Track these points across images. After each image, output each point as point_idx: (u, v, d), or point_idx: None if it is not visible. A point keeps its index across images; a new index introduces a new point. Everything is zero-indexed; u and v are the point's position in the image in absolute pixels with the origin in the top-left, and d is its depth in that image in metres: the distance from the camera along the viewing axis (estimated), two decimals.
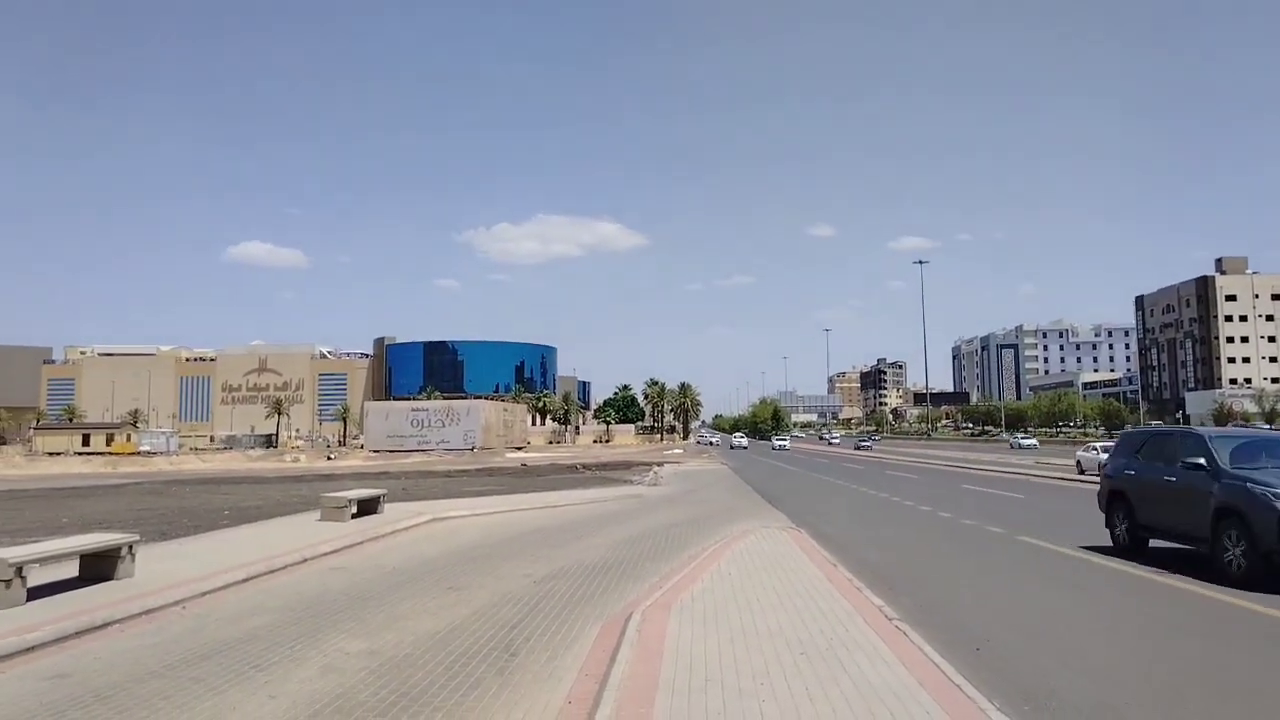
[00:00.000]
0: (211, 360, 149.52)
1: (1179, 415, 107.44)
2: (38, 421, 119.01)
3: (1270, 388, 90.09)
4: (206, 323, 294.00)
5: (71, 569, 9.76)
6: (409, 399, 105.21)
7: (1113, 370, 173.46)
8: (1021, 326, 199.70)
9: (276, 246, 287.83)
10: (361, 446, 79.39)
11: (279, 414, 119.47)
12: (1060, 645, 7.31)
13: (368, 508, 17.15)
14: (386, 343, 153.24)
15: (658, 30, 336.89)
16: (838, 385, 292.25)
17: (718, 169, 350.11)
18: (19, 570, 8.32)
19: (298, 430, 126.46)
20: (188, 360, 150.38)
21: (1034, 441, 79.49)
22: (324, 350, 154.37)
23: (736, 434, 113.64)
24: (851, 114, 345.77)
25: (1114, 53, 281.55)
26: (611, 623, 7.88)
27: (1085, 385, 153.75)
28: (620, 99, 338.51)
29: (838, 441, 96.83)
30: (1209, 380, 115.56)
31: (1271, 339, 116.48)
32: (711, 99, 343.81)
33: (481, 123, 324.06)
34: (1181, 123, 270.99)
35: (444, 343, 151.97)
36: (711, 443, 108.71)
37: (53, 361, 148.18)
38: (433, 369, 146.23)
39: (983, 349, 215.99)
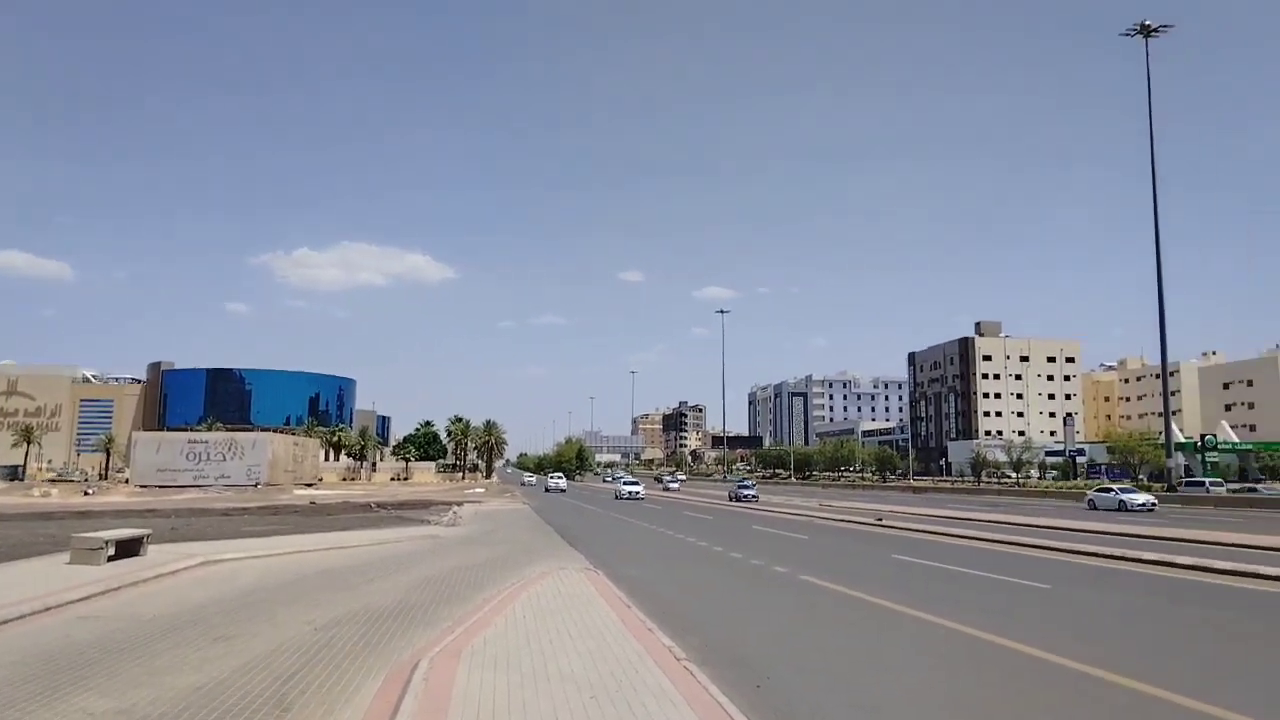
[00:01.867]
0: None
1: (942, 462, 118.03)
2: None
3: (1017, 439, 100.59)
4: None
5: None
6: (186, 429, 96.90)
7: (888, 419, 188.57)
8: (811, 376, 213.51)
9: (38, 256, 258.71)
10: (127, 481, 72.05)
11: (28, 443, 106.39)
12: (834, 678, 7.77)
13: (128, 549, 15.58)
14: (163, 368, 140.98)
15: (481, 64, 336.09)
16: (641, 426, 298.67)
17: (532, 205, 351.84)
18: None
19: (49, 461, 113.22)
20: None
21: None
22: (88, 374, 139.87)
23: (554, 474, 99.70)
24: (662, 163, 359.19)
25: (901, 121, 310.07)
26: (397, 671, 7.57)
27: (865, 433, 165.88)
28: (436, 127, 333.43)
29: (675, 487, 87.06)
30: (968, 431, 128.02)
31: (1019, 395, 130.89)
32: (521, 129, 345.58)
33: (289, 140, 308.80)
34: (957, 197, 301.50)
35: (230, 370, 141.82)
36: (525, 482, 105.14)
37: None
38: (216, 398, 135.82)
39: (776, 396, 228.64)
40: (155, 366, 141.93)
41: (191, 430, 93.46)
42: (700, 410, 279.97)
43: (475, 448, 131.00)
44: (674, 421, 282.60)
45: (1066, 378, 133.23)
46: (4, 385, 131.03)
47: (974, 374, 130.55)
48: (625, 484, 60.68)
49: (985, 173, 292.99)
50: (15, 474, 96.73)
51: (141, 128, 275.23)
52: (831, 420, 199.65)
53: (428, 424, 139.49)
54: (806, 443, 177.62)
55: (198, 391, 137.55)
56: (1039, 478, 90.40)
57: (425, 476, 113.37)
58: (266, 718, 6.26)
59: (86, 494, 57.05)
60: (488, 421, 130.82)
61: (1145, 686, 7.23)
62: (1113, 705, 6.85)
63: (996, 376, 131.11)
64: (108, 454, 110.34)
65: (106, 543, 14.74)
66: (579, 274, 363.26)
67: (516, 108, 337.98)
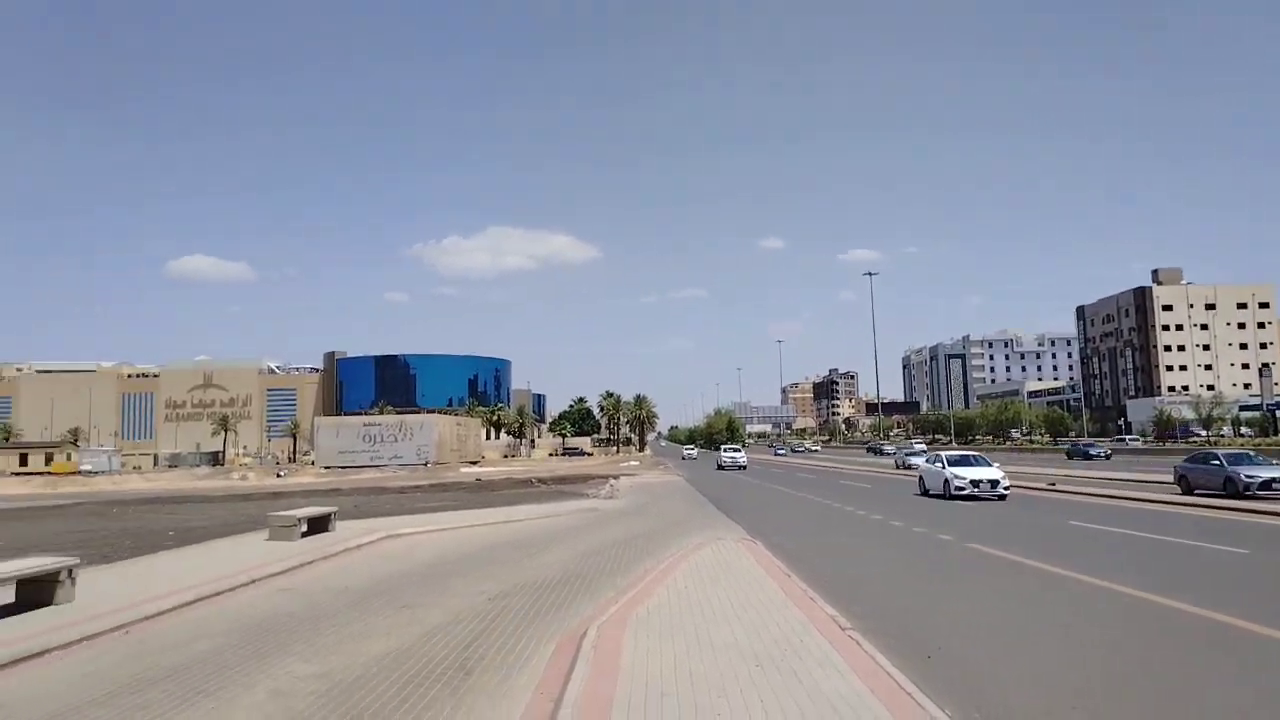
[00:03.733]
0: (155, 376, 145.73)
1: (1121, 422, 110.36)
2: None
3: (1205, 394, 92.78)
4: (149, 339, 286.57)
5: (8, 595, 9.45)
6: (360, 414, 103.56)
7: (1056, 379, 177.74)
8: (968, 337, 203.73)
9: (222, 260, 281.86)
10: (312, 463, 77.90)
11: (225, 431, 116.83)
12: (1013, 650, 7.45)
13: (318, 526, 16.87)
14: (337, 357, 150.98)
15: (611, 41, 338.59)
16: (791, 396, 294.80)
17: (668, 180, 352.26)
18: None
19: (245, 447, 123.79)
20: (129, 377, 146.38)
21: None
22: (272, 365, 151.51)
23: (687, 446, 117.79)
24: (802, 128, 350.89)
25: (1058, 74, 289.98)
26: (567, 639, 7.86)
27: (1030, 393, 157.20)
28: (574, 111, 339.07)
29: (784, 453, 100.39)
30: (1149, 388, 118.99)
31: (1205, 347, 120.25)
32: (658, 109, 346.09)
33: (433, 135, 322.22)
34: (1121, 141, 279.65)
35: (396, 356, 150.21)
36: (686, 455, 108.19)
37: None
38: (385, 383, 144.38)
39: (931, 358, 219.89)
40: (330, 356, 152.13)
41: (365, 414, 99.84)
42: (852, 377, 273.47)
43: (627, 422, 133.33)
44: (825, 389, 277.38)
45: (1260, 325, 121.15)
46: (201, 379, 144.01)
47: (1153, 326, 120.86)
48: (728, 453, 60.72)
49: (1152, 109, 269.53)
50: (216, 459, 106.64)
51: (301, 138, 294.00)
52: (993, 381, 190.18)
53: (580, 400, 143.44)
54: (967, 406, 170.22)
55: (368, 377, 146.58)
56: (1233, 435, 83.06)
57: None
58: (451, 681, 6.65)
59: (278, 476, 62.15)
60: (638, 396, 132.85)
61: None
62: None
63: (1179, 327, 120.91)
64: (294, 438, 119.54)
65: (299, 520, 16.00)
66: (718, 245, 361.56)
67: (645, 79, 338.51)
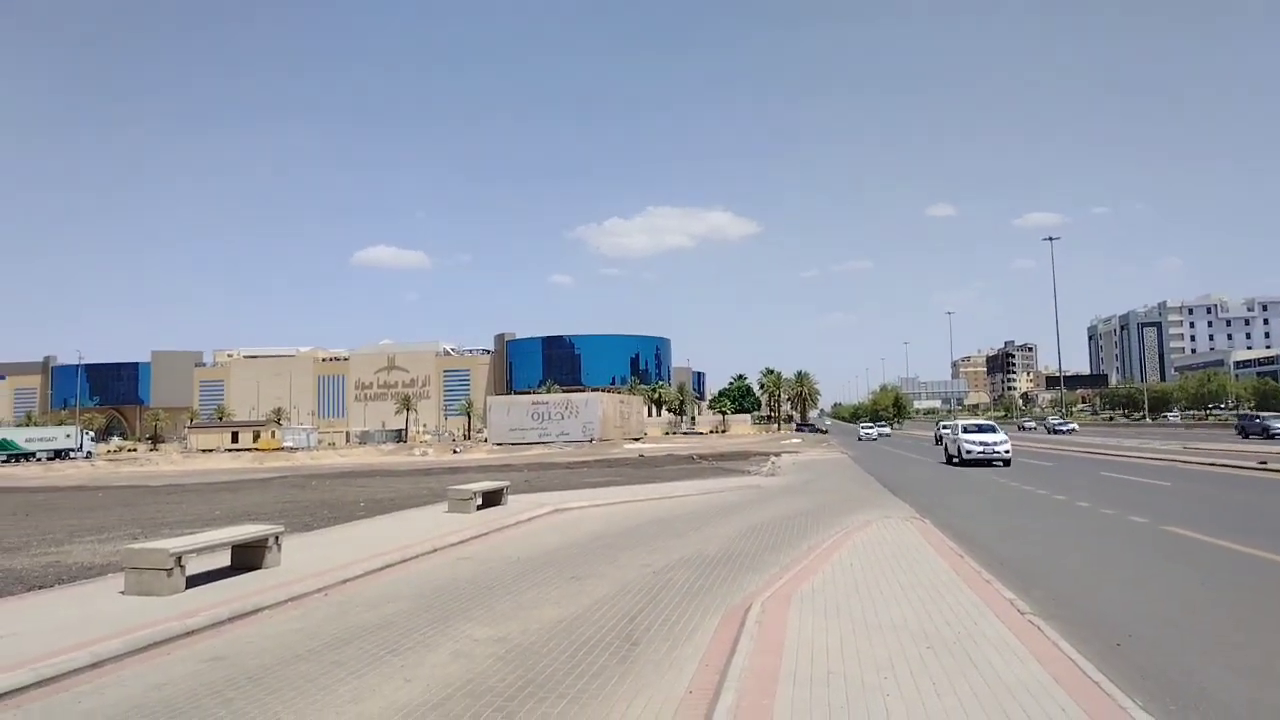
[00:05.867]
0: (345, 360, 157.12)
1: None
2: (191, 421, 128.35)
3: None
4: (340, 325, 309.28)
5: (224, 559, 10.49)
6: (529, 393, 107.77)
7: (1269, 347, 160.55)
8: (1165, 303, 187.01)
9: (401, 249, 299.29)
10: (485, 440, 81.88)
11: (407, 410, 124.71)
12: (1210, 639, 6.86)
13: (492, 499, 17.71)
14: (506, 339, 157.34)
15: (757, 13, 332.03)
16: (962, 370, 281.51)
17: (829, 151, 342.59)
18: (179, 560, 9.02)
19: (425, 425, 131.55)
20: (324, 360, 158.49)
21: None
22: (447, 348, 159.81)
23: (864, 423, 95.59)
24: (966, 90, 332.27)
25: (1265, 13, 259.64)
26: (731, 614, 7.89)
27: (1237, 364, 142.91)
28: (725, 85, 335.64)
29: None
30: None
31: None
32: (817, 79, 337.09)
33: (588, 118, 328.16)
34: None
35: (561, 337, 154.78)
36: (820, 430, 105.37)
37: (204, 365, 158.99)
38: (551, 363, 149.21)
39: (1122, 328, 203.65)
40: (500, 338, 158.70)
41: (534, 393, 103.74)
42: (1030, 349, 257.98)
43: (788, 398, 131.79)
44: (999, 363, 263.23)
45: None
46: (385, 362, 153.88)
47: None
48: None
49: None
50: (399, 437, 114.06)
51: (466, 129, 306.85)
52: (1194, 351, 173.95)
53: (740, 377, 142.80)
54: (1163, 378, 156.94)
55: (536, 358, 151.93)
56: None
57: (741, 428, 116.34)
58: (619, 650, 6.83)
59: (455, 452, 65.69)
60: (799, 372, 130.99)
61: None
62: None
63: None
64: (468, 416, 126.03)
65: (475, 494, 16.85)
66: (883, 215, 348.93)
67: (808, 66, 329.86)
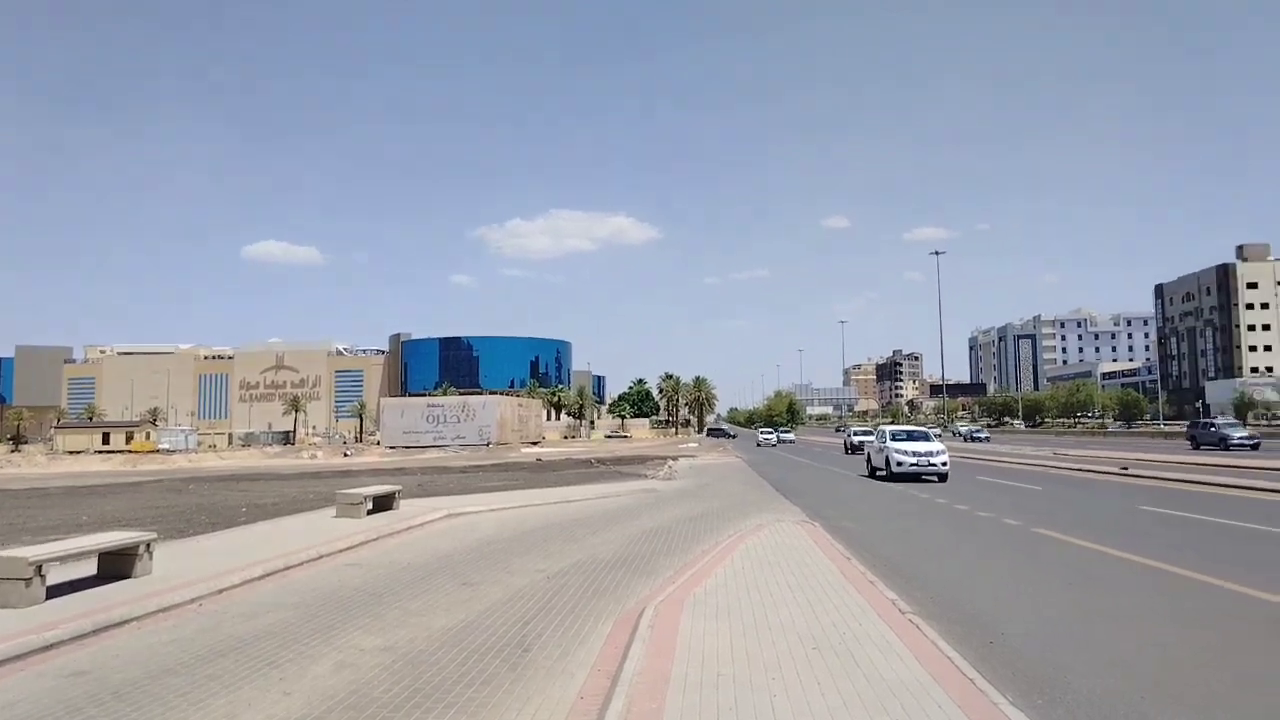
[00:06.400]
0: (229, 358, 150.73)
1: (1198, 405, 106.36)
2: (58, 420, 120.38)
3: None
4: (224, 321, 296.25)
5: (90, 567, 9.87)
6: (425, 395, 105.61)
7: (1132, 360, 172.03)
8: (1039, 316, 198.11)
9: (292, 244, 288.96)
10: (378, 443, 79.73)
11: (296, 411, 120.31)
12: (1078, 637, 7.25)
13: (383, 504, 17.24)
14: (402, 339, 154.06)
15: (661, 25, 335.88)
16: (853, 377, 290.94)
17: (730, 161, 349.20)
18: (39, 569, 8.42)
19: (314, 427, 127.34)
20: (206, 358, 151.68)
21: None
22: (340, 347, 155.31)
23: (763, 428, 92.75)
24: (864, 104, 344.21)
25: (1132, 40, 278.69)
26: (624, 618, 7.90)
27: (1104, 375, 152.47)
28: (632, 94, 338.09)
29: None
30: (1229, 369, 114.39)
31: None
32: (718, 91, 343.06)
33: (492, 120, 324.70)
34: (1201, 112, 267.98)
35: (459, 339, 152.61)
36: (730, 435, 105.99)
37: (73, 361, 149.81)
38: (448, 365, 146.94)
39: (1000, 340, 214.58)
40: (396, 338, 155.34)
41: (429, 396, 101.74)
42: (916, 358, 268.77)
43: (686, 404, 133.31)
44: (888, 371, 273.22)
45: None
46: (273, 360, 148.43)
47: (1236, 304, 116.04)
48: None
49: (1234, 81, 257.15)
50: (287, 439, 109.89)
51: (366, 124, 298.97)
52: (1064, 363, 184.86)
53: (640, 382, 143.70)
54: (1036, 388, 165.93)
55: (432, 359, 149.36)
56: None
57: (640, 433, 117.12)
58: (510, 657, 6.74)
59: (346, 455, 63.78)
60: (697, 378, 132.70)
61: None
62: None
63: (1264, 306, 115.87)
64: (360, 419, 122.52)
65: (365, 498, 16.37)
66: (781, 225, 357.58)
67: (710, 79, 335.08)
